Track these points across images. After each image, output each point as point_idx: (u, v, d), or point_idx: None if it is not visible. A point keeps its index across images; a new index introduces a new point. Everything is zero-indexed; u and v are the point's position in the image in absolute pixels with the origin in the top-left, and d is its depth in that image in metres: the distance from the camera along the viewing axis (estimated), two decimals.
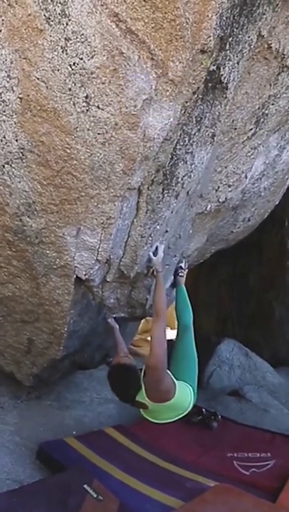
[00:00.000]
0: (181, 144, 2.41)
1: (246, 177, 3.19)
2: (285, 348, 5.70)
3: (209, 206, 3.16)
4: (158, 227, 2.63)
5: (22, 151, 2.25)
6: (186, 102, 2.19)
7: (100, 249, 2.45)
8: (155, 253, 2.80)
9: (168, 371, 2.66)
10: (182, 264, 3.51)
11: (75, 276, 2.55)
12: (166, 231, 2.77)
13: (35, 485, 2.37)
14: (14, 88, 2.14)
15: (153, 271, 2.90)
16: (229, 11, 2.03)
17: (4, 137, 2.25)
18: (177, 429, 3.35)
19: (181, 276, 3.50)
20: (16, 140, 2.24)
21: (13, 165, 2.30)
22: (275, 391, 4.60)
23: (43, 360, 3.06)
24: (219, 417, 3.50)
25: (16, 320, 2.88)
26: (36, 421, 3.24)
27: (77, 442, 2.86)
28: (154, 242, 2.74)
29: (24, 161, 2.27)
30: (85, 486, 2.27)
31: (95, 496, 2.20)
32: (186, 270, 3.59)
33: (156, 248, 2.80)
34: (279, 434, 3.37)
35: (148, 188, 2.41)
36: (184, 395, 2.75)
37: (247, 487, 2.51)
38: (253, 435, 3.37)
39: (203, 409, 3.55)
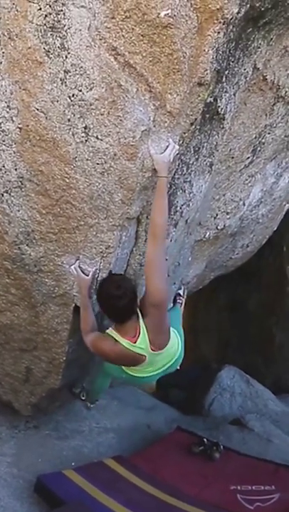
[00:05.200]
0: (180, 173, 2.43)
1: (244, 204, 3.21)
2: (287, 374, 5.63)
3: (208, 233, 3.17)
4: None
5: (21, 180, 2.27)
6: (184, 133, 2.21)
7: (98, 278, 2.44)
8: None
9: None
10: (180, 291, 3.49)
11: (74, 304, 2.53)
12: (166, 259, 2.76)
13: None
14: (14, 118, 2.17)
15: None
16: (225, 45, 2.08)
17: (3, 166, 2.27)
18: (178, 459, 3.29)
19: (179, 303, 3.48)
20: (15, 169, 2.26)
21: (12, 194, 2.32)
22: (277, 420, 4.49)
23: (42, 389, 3.01)
24: (221, 447, 3.40)
25: (14, 348, 2.85)
26: (34, 451, 3.16)
27: (76, 475, 2.78)
28: None
29: (23, 189, 2.29)
30: None
31: None
32: (185, 297, 3.57)
33: (167, 146, 2.13)
34: (283, 466, 3.29)
35: (147, 217, 2.41)
36: (173, 336, 2.55)
37: None
38: (256, 466, 3.29)
39: (205, 439, 3.46)
